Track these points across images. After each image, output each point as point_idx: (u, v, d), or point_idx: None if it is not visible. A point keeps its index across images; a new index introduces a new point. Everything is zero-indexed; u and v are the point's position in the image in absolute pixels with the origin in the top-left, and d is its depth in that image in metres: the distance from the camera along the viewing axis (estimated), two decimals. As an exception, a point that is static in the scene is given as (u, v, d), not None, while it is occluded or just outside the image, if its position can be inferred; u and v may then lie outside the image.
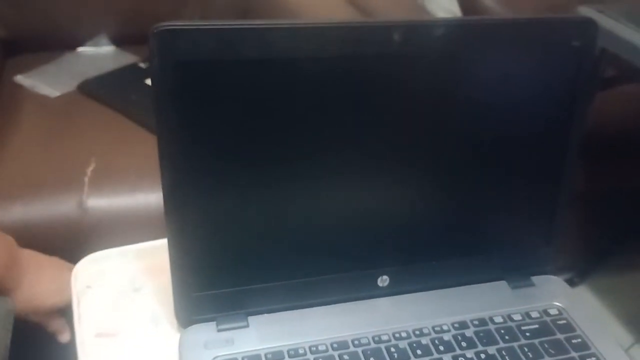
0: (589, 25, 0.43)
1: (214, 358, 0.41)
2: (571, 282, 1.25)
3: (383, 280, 0.47)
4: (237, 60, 0.38)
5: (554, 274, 0.52)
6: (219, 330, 0.43)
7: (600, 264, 1.27)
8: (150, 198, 0.85)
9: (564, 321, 0.47)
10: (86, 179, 0.88)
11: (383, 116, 0.42)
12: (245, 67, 0.38)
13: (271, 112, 0.40)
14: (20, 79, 1.11)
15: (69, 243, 0.80)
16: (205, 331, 0.43)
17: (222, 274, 0.43)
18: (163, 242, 0.42)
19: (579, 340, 0.46)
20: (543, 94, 0.45)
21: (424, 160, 0.45)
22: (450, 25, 0.42)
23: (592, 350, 0.45)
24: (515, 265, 0.50)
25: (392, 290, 0.47)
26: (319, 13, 1.03)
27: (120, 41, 1.23)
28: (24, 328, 0.57)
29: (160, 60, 0.37)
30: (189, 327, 0.43)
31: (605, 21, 0.80)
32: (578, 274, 1.26)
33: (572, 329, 0.47)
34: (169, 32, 0.37)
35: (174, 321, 0.44)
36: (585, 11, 0.81)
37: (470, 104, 0.44)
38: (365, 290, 0.47)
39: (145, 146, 0.40)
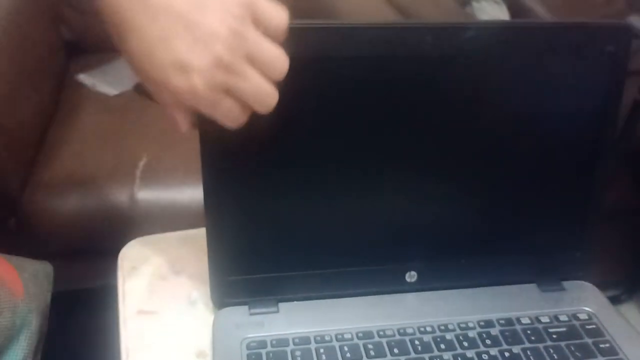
0: (624, 31, 0.43)
1: (245, 338, 0.43)
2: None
3: (411, 276, 0.48)
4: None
5: (587, 280, 0.51)
6: (250, 314, 0.45)
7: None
8: (196, 192, 0.88)
9: (593, 326, 0.47)
10: (138, 173, 0.93)
11: (419, 117, 0.44)
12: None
13: (308, 109, 0.42)
14: (82, 77, 1.18)
15: (119, 231, 0.85)
16: (238, 314, 0.45)
17: (256, 261, 0.46)
18: (203, 230, 0.44)
19: (607, 345, 0.45)
20: (576, 97, 0.45)
21: (458, 160, 0.46)
22: (485, 28, 0.43)
23: (621, 356, 0.45)
24: (546, 268, 0.50)
25: (420, 287, 0.48)
26: (362, 15, 1.06)
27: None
28: (67, 300, 0.60)
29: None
30: (223, 309, 0.46)
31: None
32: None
33: (601, 334, 0.46)
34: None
35: (210, 303, 0.47)
36: (636, 20, 0.80)
37: (504, 106, 0.45)
38: (393, 285, 0.48)
39: (194, 143, 0.43)
